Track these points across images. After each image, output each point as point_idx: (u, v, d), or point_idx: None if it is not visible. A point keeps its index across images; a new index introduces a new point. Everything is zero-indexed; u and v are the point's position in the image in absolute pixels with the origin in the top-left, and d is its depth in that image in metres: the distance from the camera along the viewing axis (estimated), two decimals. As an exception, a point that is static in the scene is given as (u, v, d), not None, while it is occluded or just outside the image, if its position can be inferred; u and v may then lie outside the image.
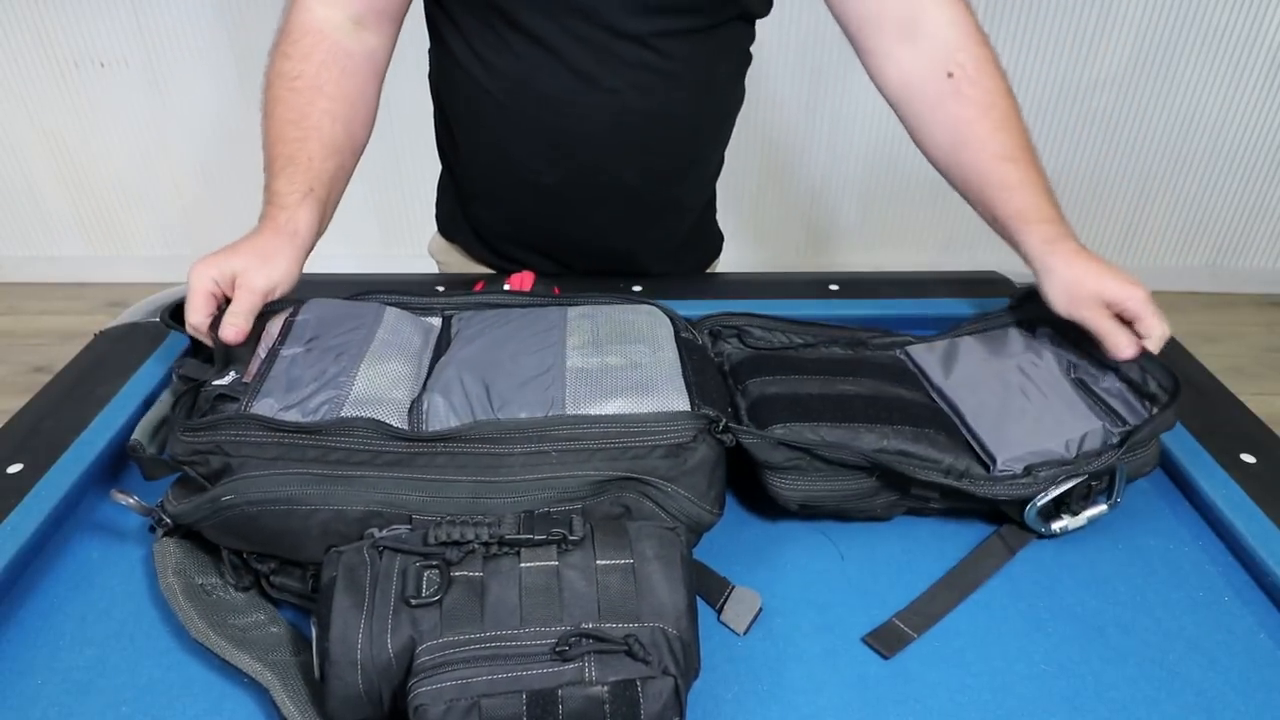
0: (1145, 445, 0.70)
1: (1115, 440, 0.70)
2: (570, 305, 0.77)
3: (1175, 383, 0.72)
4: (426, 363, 0.70)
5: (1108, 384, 0.77)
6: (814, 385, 0.74)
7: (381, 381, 0.66)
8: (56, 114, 2.54)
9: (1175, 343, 0.92)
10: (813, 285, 1.02)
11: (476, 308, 0.78)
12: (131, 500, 0.60)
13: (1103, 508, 0.69)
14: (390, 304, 0.77)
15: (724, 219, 1.19)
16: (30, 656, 0.58)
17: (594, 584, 0.52)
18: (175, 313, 0.95)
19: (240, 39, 2.43)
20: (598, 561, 0.53)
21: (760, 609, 0.62)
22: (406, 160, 2.53)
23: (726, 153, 1.09)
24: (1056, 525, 0.68)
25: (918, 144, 0.87)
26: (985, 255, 2.58)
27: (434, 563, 0.52)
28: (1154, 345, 0.73)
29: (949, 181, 0.86)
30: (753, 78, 1.01)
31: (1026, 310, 0.86)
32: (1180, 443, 0.76)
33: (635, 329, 0.73)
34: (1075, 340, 0.81)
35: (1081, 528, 0.69)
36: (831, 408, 0.71)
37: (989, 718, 0.55)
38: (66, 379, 0.83)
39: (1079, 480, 0.66)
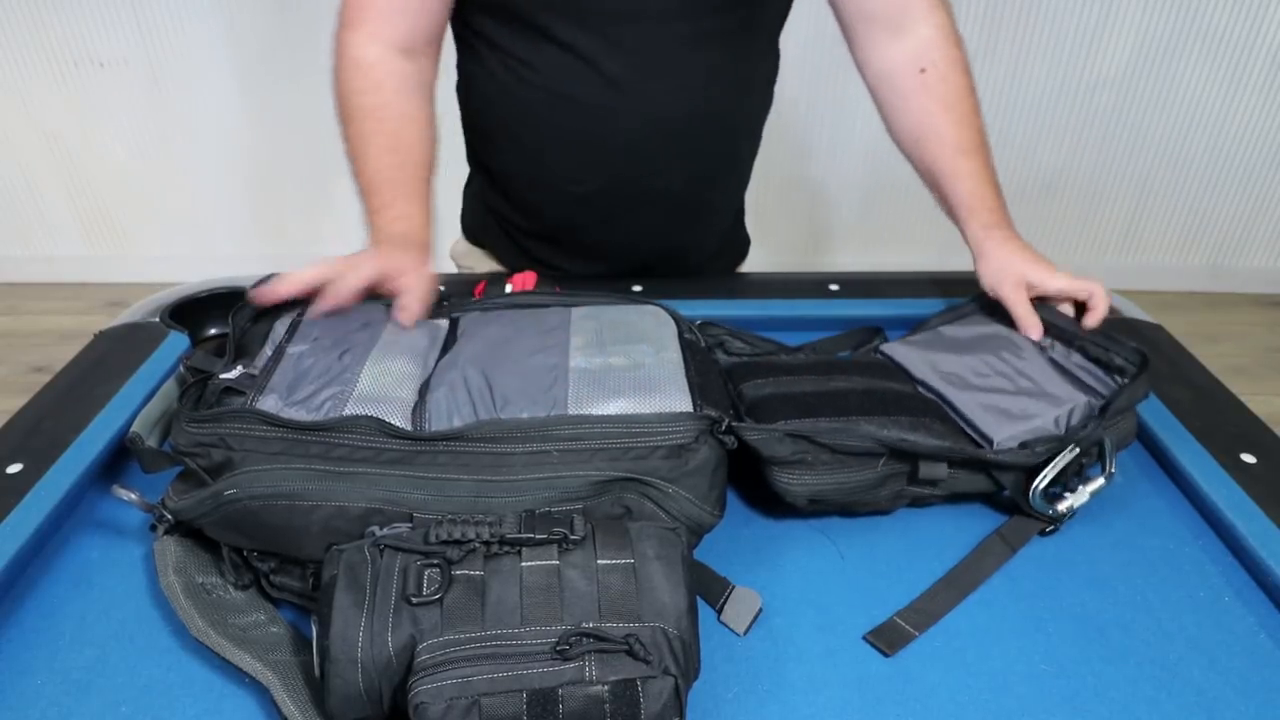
0: (1124, 415, 0.72)
1: (1097, 412, 0.72)
2: (575, 306, 0.78)
3: (1142, 356, 0.74)
4: (432, 362, 0.71)
5: (1077, 360, 0.79)
6: (808, 384, 0.75)
7: (386, 380, 0.66)
8: (56, 114, 2.54)
9: (1175, 343, 0.93)
10: (813, 285, 1.01)
11: (481, 309, 0.79)
12: (133, 496, 0.60)
13: (1100, 481, 0.69)
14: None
15: (724, 219, 1.19)
16: (30, 656, 0.58)
17: (595, 583, 0.52)
18: (175, 313, 0.95)
19: (240, 39, 2.43)
20: (598, 561, 0.53)
21: (760, 609, 0.62)
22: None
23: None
24: (1063, 505, 0.69)
25: (889, 130, 0.94)
26: (985, 255, 2.59)
27: (435, 561, 0.52)
28: (1093, 320, 0.82)
29: (913, 166, 0.93)
30: (753, 78, 1.02)
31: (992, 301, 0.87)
32: (1180, 443, 0.76)
33: (639, 329, 0.74)
34: (1043, 323, 0.82)
35: (1086, 504, 0.69)
36: (828, 403, 0.72)
37: (989, 718, 0.55)
38: (66, 379, 0.83)
39: (1075, 454, 0.68)
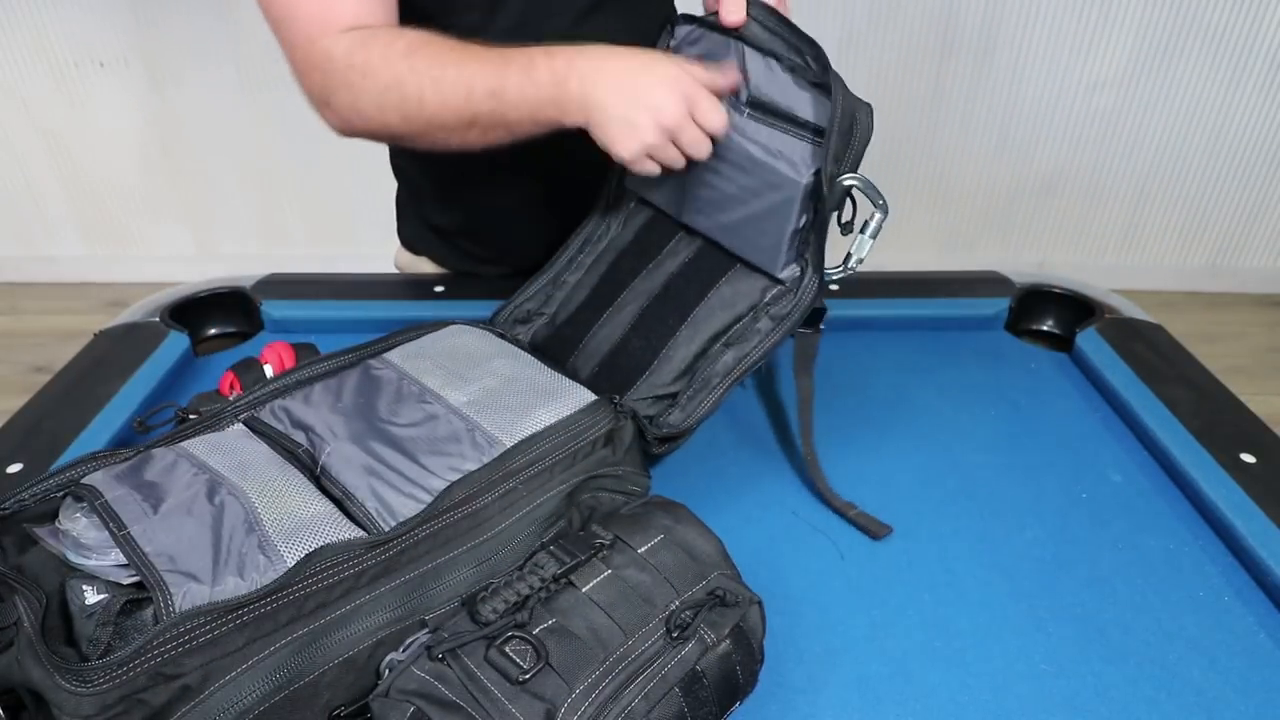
0: (849, 133, 0.70)
1: (818, 156, 0.71)
2: (377, 355, 0.73)
3: (814, 47, 0.70)
4: (290, 466, 0.60)
5: (779, 86, 0.73)
6: (615, 329, 0.78)
7: (287, 503, 0.55)
8: (56, 114, 2.54)
9: (1175, 343, 0.93)
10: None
11: (276, 397, 0.68)
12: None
13: (878, 216, 0.72)
14: (155, 446, 0.62)
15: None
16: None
17: (651, 569, 0.54)
18: (175, 313, 0.95)
19: (241, 38, 2.43)
20: (639, 551, 0.55)
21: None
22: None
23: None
24: (852, 263, 0.72)
25: None
26: (985, 255, 2.59)
27: (507, 635, 0.49)
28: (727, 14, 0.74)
29: None
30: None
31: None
32: (1180, 443, 0.76)
33: (471, 350, 0.72)
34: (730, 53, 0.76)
35: (873, 245, 0.72)
36: (637, 358, 0.75)
37: (989, 718, 0.55)
38: (66, 379, 0.83)
39: (836, 217, 0.71)
